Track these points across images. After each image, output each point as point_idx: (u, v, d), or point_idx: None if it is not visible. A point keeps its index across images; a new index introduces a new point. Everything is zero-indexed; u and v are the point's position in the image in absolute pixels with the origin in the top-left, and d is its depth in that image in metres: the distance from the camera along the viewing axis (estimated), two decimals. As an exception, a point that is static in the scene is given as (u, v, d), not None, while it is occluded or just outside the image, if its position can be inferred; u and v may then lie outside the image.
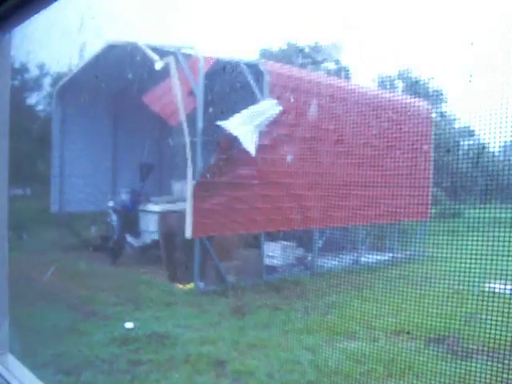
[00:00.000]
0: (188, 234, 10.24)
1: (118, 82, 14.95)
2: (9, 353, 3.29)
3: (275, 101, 11.05)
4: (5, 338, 3.30)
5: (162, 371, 6.45)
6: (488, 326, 5.92)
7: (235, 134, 10.23)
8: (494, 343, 5.91)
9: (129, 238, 13.47)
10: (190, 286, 10.47)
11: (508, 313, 5.15)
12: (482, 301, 6.12)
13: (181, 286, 10.53)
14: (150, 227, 13.13)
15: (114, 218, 13.30)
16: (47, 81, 20.87)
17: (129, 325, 8.00)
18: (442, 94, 10.51)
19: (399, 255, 13.02)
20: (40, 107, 20.91)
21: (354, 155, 12.90)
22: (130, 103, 14.93)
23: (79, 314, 8.69)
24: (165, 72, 10.93)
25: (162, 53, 10.96)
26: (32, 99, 20.15)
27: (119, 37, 13.20)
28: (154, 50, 11.18)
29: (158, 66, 10.90)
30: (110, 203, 13.54)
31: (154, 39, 11.94)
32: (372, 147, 13.30)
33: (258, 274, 11.29)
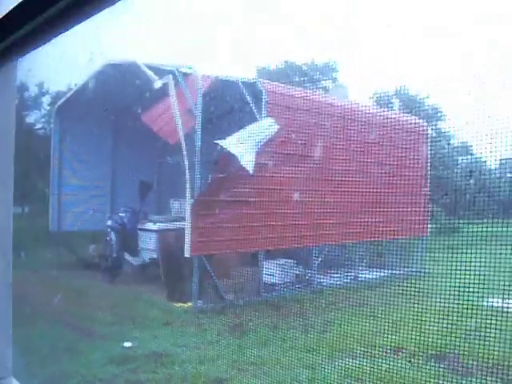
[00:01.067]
0: (187, 252, 10.23)
1: (116, 100, 15.02)
2: (12, 376, 3.27)
3: (273, 119, 11.09)
4: (8, 362, 3.29)
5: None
6: (487, 342, 5.91)
7: (233, 152, 10.26)
8: (493, 359, 5.89)
9: (127, 257, 13.44)
10: (189, 304, 10.44)
11: (506, 328, 5.14)
12: (482, 317, 6.11)
13: (179, 304, 10.49)
14: (149, 246, 13.11)
15: (113, 236, 13.29)
16: (47, 99, 20.97)
17: (127, 344, 7.97)
18: (438, 111, 10.55)
19: (398, 272, 13.00)
20: (39, 125, 20.97)
21: (352, 173, 12.93)
22: (129, 122, 14.98)
23: (77, 334, 8.65)
24: (163, 91, 10.98)
25: (161, 72, 11.02)
26: (31, 117, 20.21)
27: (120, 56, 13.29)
28: (153, 68, 11.24)
29: (157, 85, 10.95)
30: (109, 222, 13.53)
31: (152, 58, 12.01)
32: (369, 165, 13.34)
33: (257, 292, 11.27)
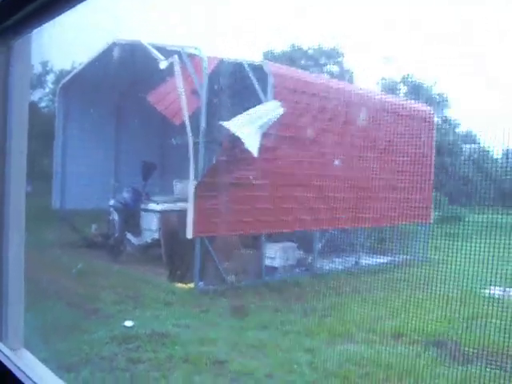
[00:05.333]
0: (189, 233, 10.25)
1: (121, 80, 14.97)
2: (23, 348, 3.37)
3: (278, 102, 11.06)
4: (21, 334, 3.39)
5: (162, 370, 6.46)
6: (488, 330, 5.93)
7: (238, 134, 10.23)
8: (494, 347, 5.92)
9: (130, 237, 13.48)
10: (190, 285, 10.47)
11: (507, 317, 5.16)
12: (483, 305, 6.14)
13: (181, 285, 10.53)
14: (151, 226, 13.14)
15: (116, 216, 13.32)
16: (50, 78, 20.93)
17: (128, 323, 8.01)
18: (445, 99, 10.52)
19: (400, 258, 13.03)
20: (43, 104, 20.95)
21: (357, 157, 12.92)
22: (134, 101, 14.95)
23: (80, 312, 8.70)
24: (169, 71, 10.94)
25: (167, 52, 10.97)
26: (35, 96, 20.17)
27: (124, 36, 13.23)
28: (159, 49, 11.19)
29: (163, 65, 10.90)
30: (112, 201, 13.55)
31: (158, 38, 11.96)
32: (374, 150, 13.32)
33: (258, 275, 11.30)
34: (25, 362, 3.06)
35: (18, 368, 2.82)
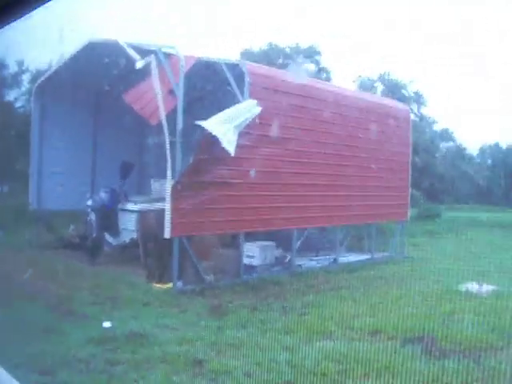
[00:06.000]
0: (167, 233, 10.22)
1: (98, 79, 14.87)
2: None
3: (255, 101, 11.06)
4: None
5: (140, 371, 6.42)
6: (464, 325, 6.00)
7: (215, 133, 10.22)
8: (470, 342, 5.98)
9: (107, 237, 13.41)
10: (169, 285, 10.44)
11: (483, 312, 5.22)
12: (459, 300, 6.19)
13: (159, 285, 10.50)
14: (129, 226, 13.08)
15: (93, 216, 13.23)
16: (26, 77, 20.75)
17: (106, 324, 7.96)
18: (421, 97, 10.61)
19: (378, 256, 13.12)
20: (19, 104, 20.77)
21: (334, 156, 12.99)
22: (110, 101, 14.86)
23: (56, 313, 8.62)
24: (145, 71, 10.88)
25: (143, 51, 10.91)
26: (10, 96, 20.00)
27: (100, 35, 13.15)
28: (135, 48, 11.12)
29: (139, 64, 10.84)
30: (89, 202, 13.46)
31: (135, 38, 11.88)
32: (352, 149, 13.40)
33: (237, 274, 11.31)
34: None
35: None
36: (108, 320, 8.06)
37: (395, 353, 6.37)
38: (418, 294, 6.40)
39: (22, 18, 2.68)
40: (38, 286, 9.65)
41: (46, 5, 2.46)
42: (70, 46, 13.60)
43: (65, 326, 8.01)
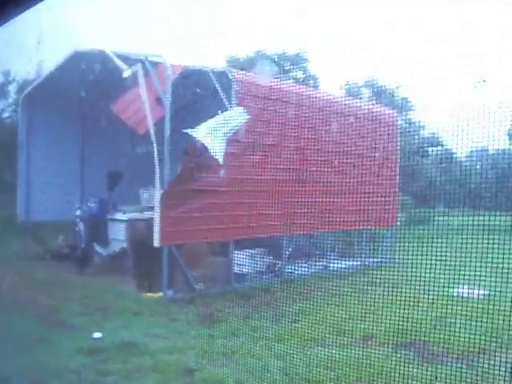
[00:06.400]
0: (156, 242, 10.18)
1: (85, 89, 14.82)
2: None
3: (243, 109, 11.06)
4: None
5: (131, 380, 6.38)
6: (456, 330, 5.98)
7: (203, 141, 10.21)
8: (462, 347, 5.97)
9: (97, 247, 13.35)
10: (159, 294, 10.40)
11: (475, 317, 5.21)
12: (450, 305, 6.18)
13: (149, 294, 10.45)
14: (119, 236, 13.03)
15: (82, 226, 13.17)
16: (13, 88, 20.65)
17: (97, 334, 7.91)
18: (409, 102, 10.62)
19: (368, 261, 13.10)
20: (6, 114, 20.66)
21: (322, 162, 12.97)
22: (98, 111, 14.81)
23: (46, 325, 8.56)
24: (132, 80, 10.86)
25: (130, 61, 10.89)
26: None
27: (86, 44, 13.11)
28: (122, 57, 11.10)
29: (126, 73, 10.82)
30: (78, 212, 13.40)
31: (121, 47, 11.86)
32: (340, 154, 13.39)
33: (227, 282, 11.27)
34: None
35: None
36: (99, 330, 8.01)
37: (387, 358, 6.35)
38: (409, 298, 6.37)
39: (6, 24, 2.65)
40: (26, 296, 9.58)
41: (32, 11, 2.44)
42: (57, 56, 13.56)
43: (55, 337, 7.95)
